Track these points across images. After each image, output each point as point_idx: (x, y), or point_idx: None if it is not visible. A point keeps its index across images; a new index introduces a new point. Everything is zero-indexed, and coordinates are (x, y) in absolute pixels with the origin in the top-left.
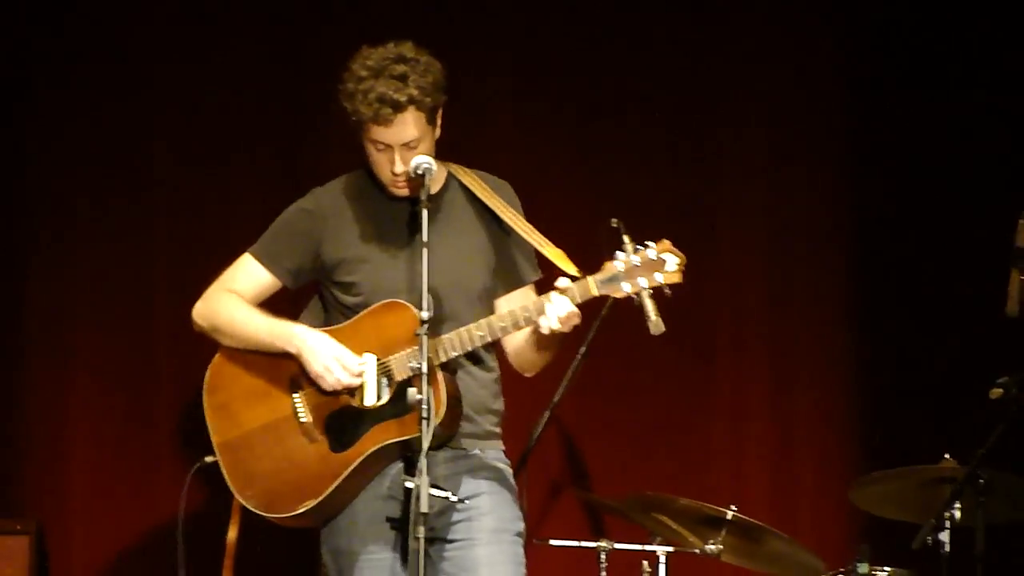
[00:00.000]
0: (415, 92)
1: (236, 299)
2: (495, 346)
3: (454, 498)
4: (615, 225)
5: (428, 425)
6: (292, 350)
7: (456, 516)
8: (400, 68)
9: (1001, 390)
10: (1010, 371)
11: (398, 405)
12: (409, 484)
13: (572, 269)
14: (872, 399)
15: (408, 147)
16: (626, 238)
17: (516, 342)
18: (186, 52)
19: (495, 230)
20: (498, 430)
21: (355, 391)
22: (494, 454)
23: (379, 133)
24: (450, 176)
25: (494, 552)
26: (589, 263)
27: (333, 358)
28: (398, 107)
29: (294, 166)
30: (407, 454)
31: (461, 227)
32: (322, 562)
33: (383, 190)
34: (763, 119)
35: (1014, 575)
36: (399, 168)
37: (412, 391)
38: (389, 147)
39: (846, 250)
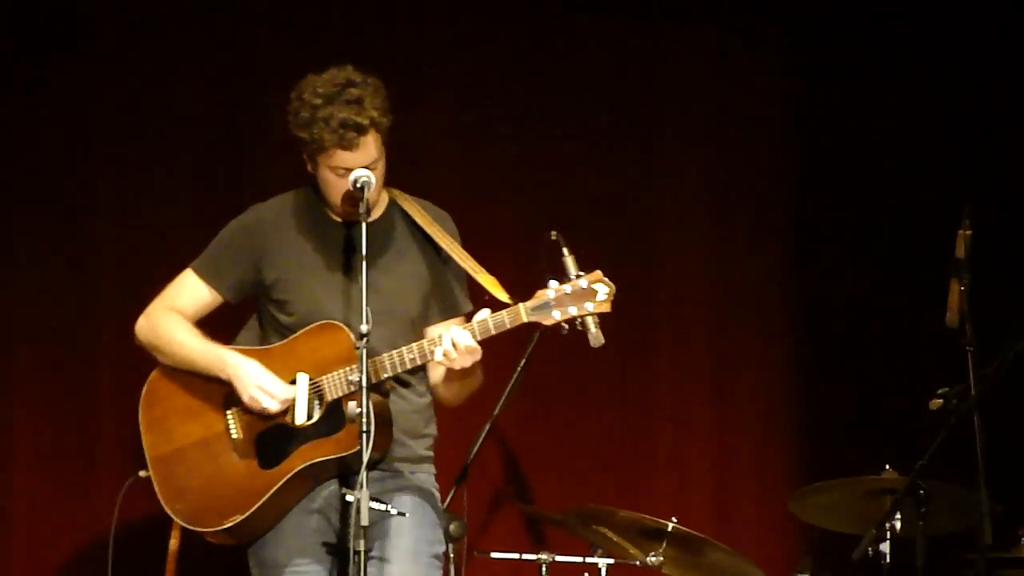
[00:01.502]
0: (374, 114)
1: (176, 319)
2: (426, 373)
3: (394, 511)
4: (554, 238)
5: (368, 438)
6: (223, 376)
7: (376, 531)
8: (355, 92)
9: (941, 401)
10: (950, 382)
11: (328, 424)
12: (349, 497)
13: (504, 296)
14: (813, 410)
15: (369, 168)
16: (565, 250)
17: (435, 375)
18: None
19: (432, 258)
20: (430, 454)
21: (287, 410)
22: (424, 477)
23: (342, 158)
24: (392, 202)
25: (407, 572)
26: (530, 275)
27: (258, 387)
28: (361, 130)
29: (234, 173)
30: (336, 473)
31: (399, 253)
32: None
33: (325, 211)
34: (703, 126)
35: None
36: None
37: (352, 404)
38: (348, 171)
39: (787, 262)
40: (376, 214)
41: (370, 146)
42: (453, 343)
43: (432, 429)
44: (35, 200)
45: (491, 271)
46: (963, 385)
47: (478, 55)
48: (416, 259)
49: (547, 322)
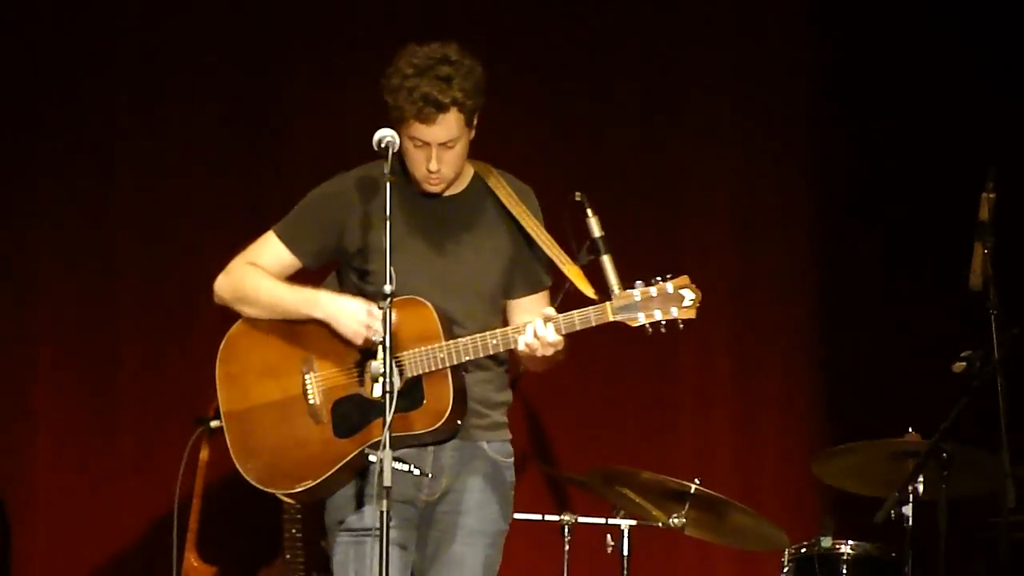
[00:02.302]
0: (459, 94)
1: (260, 271)
2: None
3: (416, 471)
4: (578, 198)
5: (391, 400)
6: (319, 315)
7: (443, 507)
8: (445, 69)
9: (964, 364)
10: (973, 345)
11: (407, 399)
12: (372, 458)
13: (590, 292)
14: (836, 372)
15: (445, 146)
16: (589, 211)
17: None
18: (149, 66)
19: (514, 233)
20: (504, 420)
21: (365, 379)
22: (498, 446)
23: (419, 130)
24: (476, 176)
25: (466, 553)
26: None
27: (367, 313)
28: (441, 107)
29: (254, 165)
30: (410, 447)
31: (481, 227)
32: (325, 536)
33: (412, 184)
34: (730, 98)
35: (976, 549)
36: (434, 166)
37: (374, 363)
38: (427, 144)
39: (810, 225)
40: (459, 187)
41: (450, 124)
42: (536, 335)
43: (506, 396)
44: (56, 193)
45: None
46: (986, 348)
47: (502, 17)
48: (499, 233)
49: (632, 324)
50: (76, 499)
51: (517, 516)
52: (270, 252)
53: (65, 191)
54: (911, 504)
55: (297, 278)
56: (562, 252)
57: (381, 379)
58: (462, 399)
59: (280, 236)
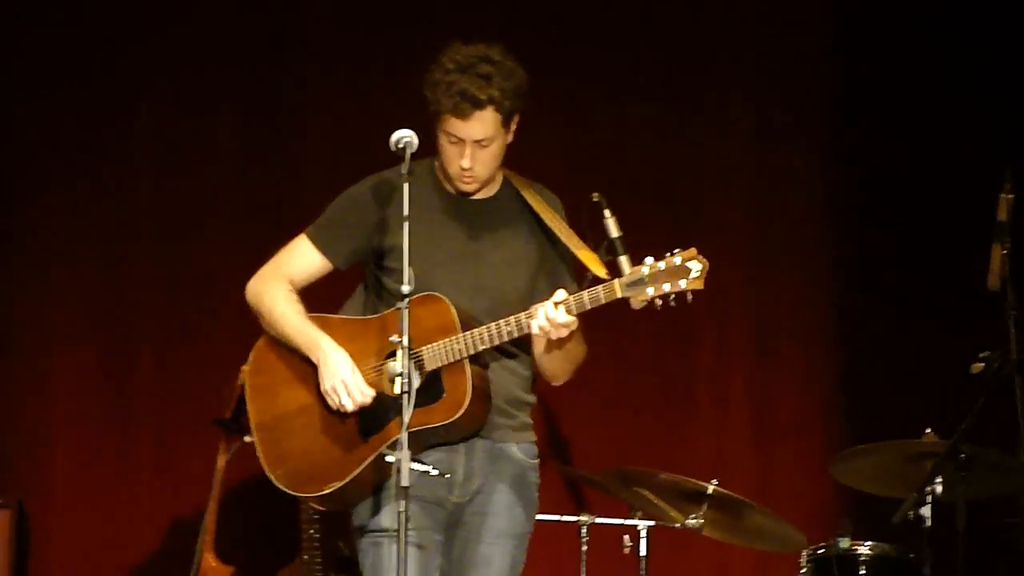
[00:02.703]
0: (496, 93)
1: (282, 290)
2: (530, 347)
3: (435, 472)
4: (596, 199)
5: (409, 400)
6: (314, 359)
7: (472, 508)
8: (486, 68)
9: (983, 364)
10: (992, 346)
11: (427, 394)
12: (390, 458)
13: (602, 272)
14: (854, 373)
15: (480, 145)
16: (607, 212)
17: (538, 348)
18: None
19: (542, 239)
20: (530, 420)
21: (385, 378)
22: (526, 447)
23: (455, 126)
24: (506, 182)
25: (493, 554)
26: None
27: (341, 381)
28: (477, 104)
29: (272, 162)
30: (439, 441)
31: (510, 231)
32: (351, 539)
33: (444, 184)
34: (748, 95)
35: (995, 550)
36: (467, 163)
37: (393, 364)
38: (462, 141)
39: (828, 224)
40: (491, 191)
41: (486, 122)
42: (547, 317)
43: (532, 397)
44: (74, 160)
45: None
46: (1004, 349)
47: (521, 18)
48: (526, 238)
49: (641, 298)
50: (93, 502)
51: (537, 517)
52: (302, 257)
53: (81, 194)
54: (929, 505)
55: (327, 279)
56: (579, 240)
57: (399, 379)
58: (482, 391)
59: (313, 240)
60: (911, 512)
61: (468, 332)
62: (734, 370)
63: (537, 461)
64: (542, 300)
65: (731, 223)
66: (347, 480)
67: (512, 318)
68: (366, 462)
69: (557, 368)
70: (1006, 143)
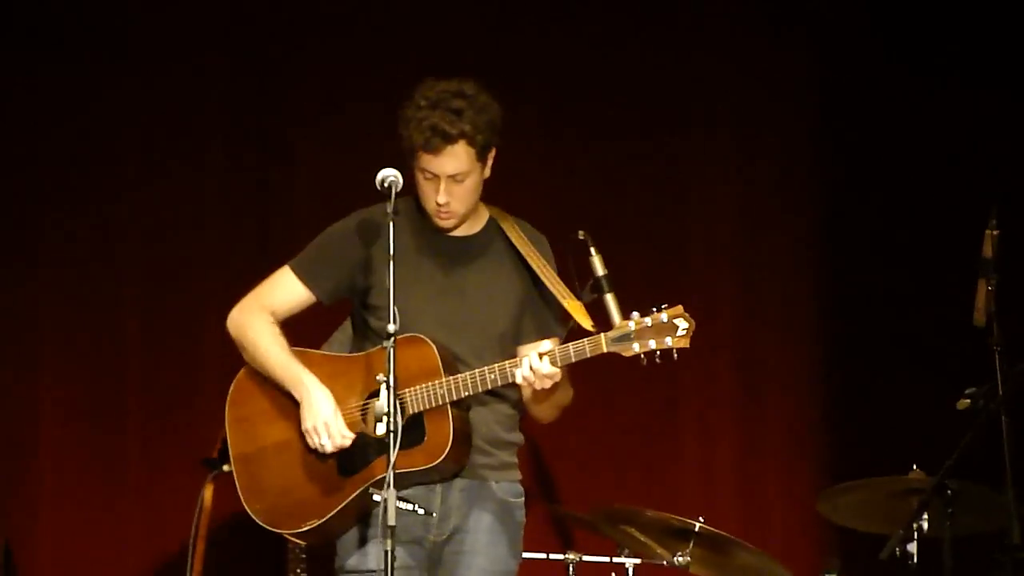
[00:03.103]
0: (467, 128)
1: (265, 324)
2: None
3: (421, 510)
4: (582, 237)
5: (395, 438)
6: (296, 396)
7: (452, 547)
8: (458, 103)
9: (968, 401)
10: (977, 382)
11: (408, 436)
12: (377, 497)
13: (588, 324)
14: (840, 410)
15: (455, 180)
16: (593, 249)
17: (525, 393)
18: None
19: (526, 279)
20: (514, 460)
21: (368, 418)
22: (508, 486)
23: (427, 161)
24: (491, 220)
25: None
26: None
27: (323, 423)
28: (448, 139)
29: (260, 166)
30: (415, 484)
31: (493, 269)
32: None
33: (426, 221)
34: (732, 126)
35: None
36: (442, 199)
37: (379, 403)
38: (436, 177)
39: (814, 261)
40: (475, 229)
41: (458, 156)
42: (532, 367)
43: (516, 437)
44: (62, 193)
45: None
46: (990, 385)
47: (506, 54)
48: (510, 277)
49: (627, 353)
50: (81, 542)
51: (523, 556)
52: (284, 289)
53: (69, 232)
54: (916, 541)
55: (310, 313)
56: (566, 289)
57: (385, 418)
58: (463, 435)
59: (296, 272)
60: (898, 548)
61: (452, 377)
62: (720, 407)
63: (521, 499)
64: (527, 340)
65: (716, 262)
66: (325, 519)
67: (496, 366)
68: (345, 501)
69: (542, 412)
70: (991, 180)
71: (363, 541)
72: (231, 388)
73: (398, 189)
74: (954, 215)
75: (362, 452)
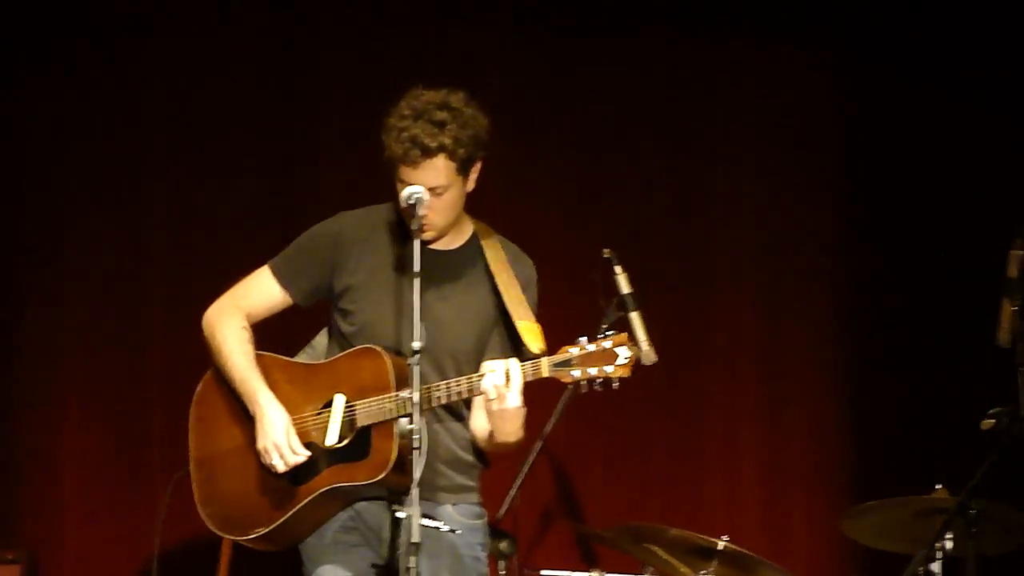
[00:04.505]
0: (447, 141)
1: (237, 326)
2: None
3: (445, 528)
4: (607, 255)
5: (420, 455)
6: (251, 412)
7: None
8: (441, 115)
9: (993, 421)
10: (1002, 402)
11: (355, 450)
12: (400, 514)
13: (535, 347)
14: (864, 430)
15: (434, 193)
16: (618, 268)
17: (476, 423)
18: (178, 82)
19: (499, 300)
20: (472, 483)
21: (321, 428)
22: (464, 508)
23: (406, 173)
24: (474, 235)
25: None
26: (582, 297)
27: (274, 443)
28: (427, 152)
29: (285, 176)
30: (360, 499)
31: (465, 286)
32: None
33: (404, 229)
34: (756, 163)
35: None
36: (421, 211)
37: (403, 421)
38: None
39: (839, 280)
40: (454, 244)
41: (438, 170)
42: (473, 388)
43: (474, 458)
44: (87, 203)
45: (542, 293)
46: (1015, 405)
47: (525, 75)
48: (482, 297)
49: (565, 380)
50: (106, 552)
51: (545, 573)
52: (261, 290)
53: (92, 247)
54: (940, 561)
55: (286, 314)
56: (526, 310)
57: (411, 435)
58: (408, 452)
59: (274, 272)
60: (921, 568)
61: (399, 393)
62: (745, 425)
63: (480, 522)
64: (490, 359)
65: (742, 276)
66: (271, 527)
67: (443, 383)
68: (293, 510)
69: (490, 448)
70: (1016, 201)
71: (329, 548)
72: (198, 388)
73: (422, 208)
74: (979, 236)
75: (314, 462)
